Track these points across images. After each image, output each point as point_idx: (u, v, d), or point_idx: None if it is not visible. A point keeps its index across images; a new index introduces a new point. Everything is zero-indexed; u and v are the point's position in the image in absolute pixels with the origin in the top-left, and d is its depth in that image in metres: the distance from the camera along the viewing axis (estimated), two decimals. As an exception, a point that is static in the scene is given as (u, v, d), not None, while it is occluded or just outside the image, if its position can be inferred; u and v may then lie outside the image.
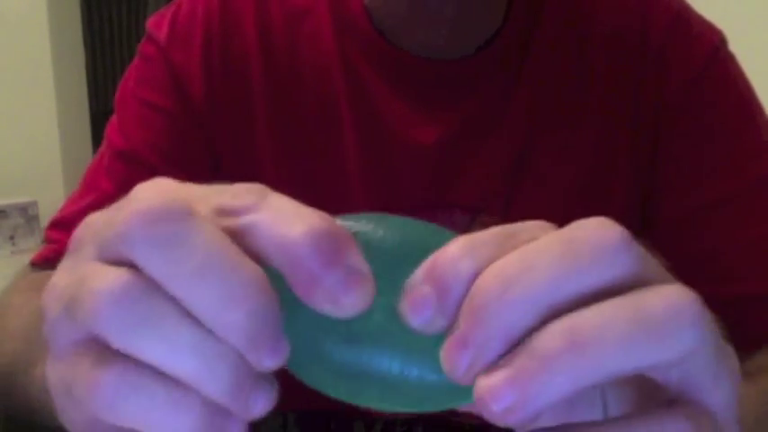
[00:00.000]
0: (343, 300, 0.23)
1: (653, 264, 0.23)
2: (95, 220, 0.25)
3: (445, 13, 0.59)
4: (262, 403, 0.23)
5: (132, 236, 0.22)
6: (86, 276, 0.23)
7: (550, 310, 0.22)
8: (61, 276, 0.25)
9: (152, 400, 0.22)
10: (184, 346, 0.22)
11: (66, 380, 0.24)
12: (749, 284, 0.57)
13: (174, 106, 0.61)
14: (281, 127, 0.62)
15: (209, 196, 0.24)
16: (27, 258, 0.63)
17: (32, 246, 2.31)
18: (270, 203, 0.24)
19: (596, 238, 0.22)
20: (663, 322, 0.21)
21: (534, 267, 0.22)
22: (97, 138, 2.55)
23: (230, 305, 0.22)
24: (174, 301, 0.22)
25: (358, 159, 0.61)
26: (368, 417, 0.62)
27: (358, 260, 0.23)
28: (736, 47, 0.64)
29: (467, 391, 0.22)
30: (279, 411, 0.59)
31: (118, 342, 0.22)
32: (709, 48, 0.62)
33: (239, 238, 0.23)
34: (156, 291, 0.22)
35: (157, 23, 0.64)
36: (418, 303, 0.23)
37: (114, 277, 0.22)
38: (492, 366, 0.22)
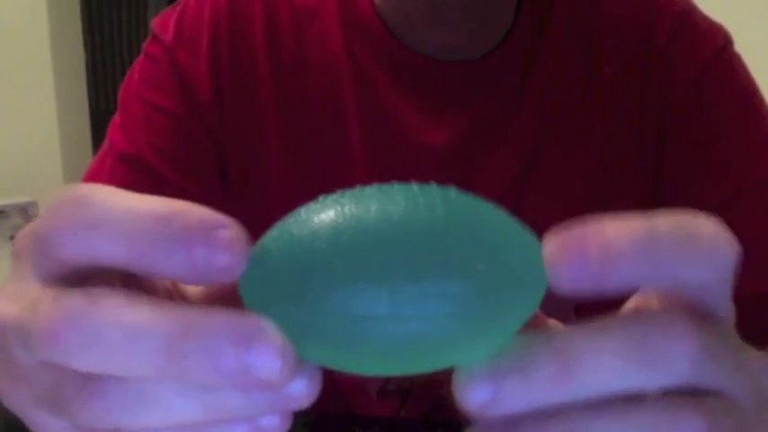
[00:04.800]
0: (218, 259, 0.22)
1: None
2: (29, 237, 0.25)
3: (450, 11, 0.59)
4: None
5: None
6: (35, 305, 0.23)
7: None
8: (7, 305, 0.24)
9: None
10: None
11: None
12: (761, 283, 0.57)
13: (180, 108, 0.61)
14: (289, 128, 0.61)
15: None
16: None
17: (32, 246, 2.29)
18: (95, 211, 0.23)
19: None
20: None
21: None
22: (97, 138, 2.55)
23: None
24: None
25: (366, 161, 0.61)
26: (369, 419, 0.62)
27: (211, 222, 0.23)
28: (741, 46, 0.64)
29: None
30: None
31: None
32: (714, 46, 0.62)
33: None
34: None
35: (163, 24, 0.63)
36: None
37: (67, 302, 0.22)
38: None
